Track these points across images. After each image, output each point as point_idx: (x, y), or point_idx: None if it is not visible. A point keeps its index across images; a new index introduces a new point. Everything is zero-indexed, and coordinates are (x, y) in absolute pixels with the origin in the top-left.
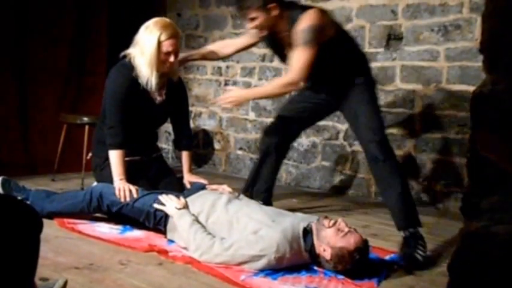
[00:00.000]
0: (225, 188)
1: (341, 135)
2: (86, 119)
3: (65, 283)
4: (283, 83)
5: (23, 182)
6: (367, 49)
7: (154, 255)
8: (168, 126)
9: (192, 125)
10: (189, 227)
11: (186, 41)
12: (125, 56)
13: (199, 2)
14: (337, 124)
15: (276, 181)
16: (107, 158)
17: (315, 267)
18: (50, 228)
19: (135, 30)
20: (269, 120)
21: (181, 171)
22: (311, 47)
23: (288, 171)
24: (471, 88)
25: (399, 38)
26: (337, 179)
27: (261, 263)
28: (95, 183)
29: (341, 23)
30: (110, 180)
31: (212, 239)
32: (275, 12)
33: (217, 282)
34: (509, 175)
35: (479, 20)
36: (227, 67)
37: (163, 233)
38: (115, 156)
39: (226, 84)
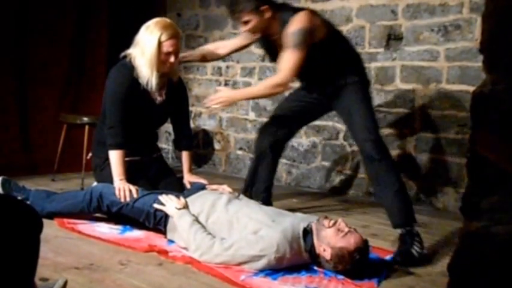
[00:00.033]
0: (225, 188)
1: (341, 135)
2: (86, 119)
3: (65, 283)
4: (272, 84)
5: (23, 182)
6: (367, 49)
7: (154, 255)
8: (168, 126)
9: (192, 125)
10: (189, 227)
11: (186, 41)
12: (125, 56)
13: (199, 2)
14: (337, 124)
15: (274, 180)
16: (107, 158)
17: (315, 267)
18: (50, 228)
19: (135, 30)
20: None
21: (181, 171)
22: (300, 49)
23: (288, 171)
24: (471, 88)
25: (399, 38)
26: (337, 179)
27: (261, 263)
28: (95, 183)
29: (341, 23)
30: (110, 180)
31: (212, 239)
32: (268, 15)
33: (217, 282)
34: (509, 175)
35: (479, 20)
36: (227, 67)
37: (163, 233)
38: (115, 157)
39: (226, 84)
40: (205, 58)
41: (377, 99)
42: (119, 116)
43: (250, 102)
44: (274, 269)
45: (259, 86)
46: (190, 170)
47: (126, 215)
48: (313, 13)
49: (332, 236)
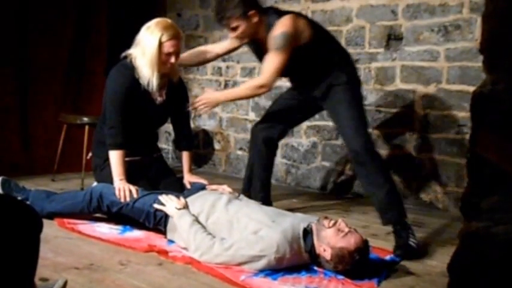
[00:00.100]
0: (225, 188)
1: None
2: (86, 119)
3: (65, 283)
4: (254, 85)
5: (23, 182)
6: (367, 49)
7: (154, 256)
8: (168, 126)
9: (192, 125)
10: (189, 227)
11: (186, 41)
12: (126, 57)
13: (199, 2)
14: None
15: (273, 181)
16: (107, 158)
17: (315, 268)
18: (50, 229)
19: (135, 30)
20: None
21: (181, 171)
22: (283, 52)
23: (288, 171)
24: (471, 88)
25: (399, 38)
26: (337, 179)
27: (261, 264)
28: (95, 184)
29: (341, 23)
30: (110, 180)
31: (212, 239)
32: (255, 19)
33: (217, 282)
34: (509, 175)
35: (479, 20)
36: (227, 67)
37: (163, 233)
38: (115, 157)
39: (226, 85)
40: (192, 62)
41: (377, 99)
42: (119, 116)
43: (250, 103)
44: (274, 269)
45: (242, 87)
46: (191, 170)
47: (126, 215)
48: (297, 16)
49: (332, 236)
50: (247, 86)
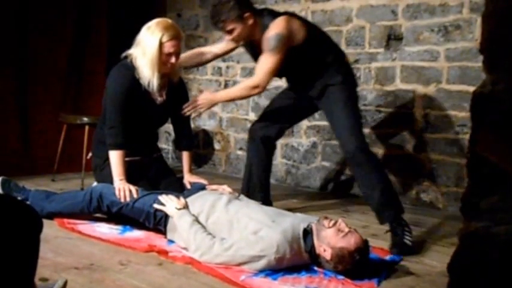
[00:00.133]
0: (225, 188)
1: None
2: (86, 119)
3: (65, 283)
4: (248, 86)
5: (23, 182)
6: (367, 49)
7: (154, 256)
8: (168, 126)
9: (192, 125)
10: (189, 227)
11: (186, 41)
12: (126, 57)
13: (199, 2)
14: None
15: (272, 180)
16: (107, 158)
17: (315, 268)
18: (50, 229)
19: (135, 30)
20: None
21: (181, 171)
22: (276, 53)
23: (288, 171)
24: (471, 88)
25: (399, 38)
26: (337, 179)
27: (261, 264)
28: (95, 184)
29: (341, 23)
30: (110, 180)
31: (212, 239)
32: (250, 21)
33: (217, 282)
34: (509, 175)
35: (479, 20)
36: (227, 67)
37: (163, 233)
38: (115, 157)
39: (226, 85)
40: (191, 63)
41: (377, 99)
42: (119, 116)
43: (250, 103)
44: (274, 270)
45: (237, 88)
46: (191, 170)
47: (126, 215)
48: (291, 17)
49: (332, 236)
50: (241, 86)
